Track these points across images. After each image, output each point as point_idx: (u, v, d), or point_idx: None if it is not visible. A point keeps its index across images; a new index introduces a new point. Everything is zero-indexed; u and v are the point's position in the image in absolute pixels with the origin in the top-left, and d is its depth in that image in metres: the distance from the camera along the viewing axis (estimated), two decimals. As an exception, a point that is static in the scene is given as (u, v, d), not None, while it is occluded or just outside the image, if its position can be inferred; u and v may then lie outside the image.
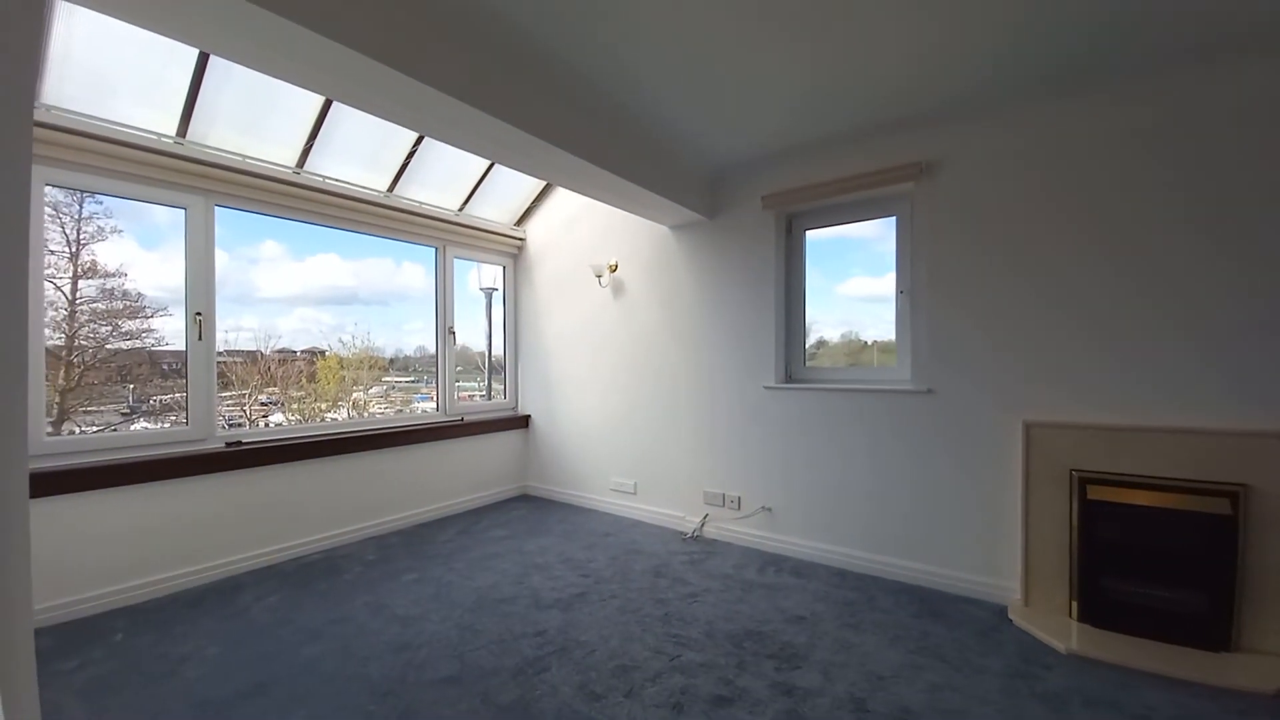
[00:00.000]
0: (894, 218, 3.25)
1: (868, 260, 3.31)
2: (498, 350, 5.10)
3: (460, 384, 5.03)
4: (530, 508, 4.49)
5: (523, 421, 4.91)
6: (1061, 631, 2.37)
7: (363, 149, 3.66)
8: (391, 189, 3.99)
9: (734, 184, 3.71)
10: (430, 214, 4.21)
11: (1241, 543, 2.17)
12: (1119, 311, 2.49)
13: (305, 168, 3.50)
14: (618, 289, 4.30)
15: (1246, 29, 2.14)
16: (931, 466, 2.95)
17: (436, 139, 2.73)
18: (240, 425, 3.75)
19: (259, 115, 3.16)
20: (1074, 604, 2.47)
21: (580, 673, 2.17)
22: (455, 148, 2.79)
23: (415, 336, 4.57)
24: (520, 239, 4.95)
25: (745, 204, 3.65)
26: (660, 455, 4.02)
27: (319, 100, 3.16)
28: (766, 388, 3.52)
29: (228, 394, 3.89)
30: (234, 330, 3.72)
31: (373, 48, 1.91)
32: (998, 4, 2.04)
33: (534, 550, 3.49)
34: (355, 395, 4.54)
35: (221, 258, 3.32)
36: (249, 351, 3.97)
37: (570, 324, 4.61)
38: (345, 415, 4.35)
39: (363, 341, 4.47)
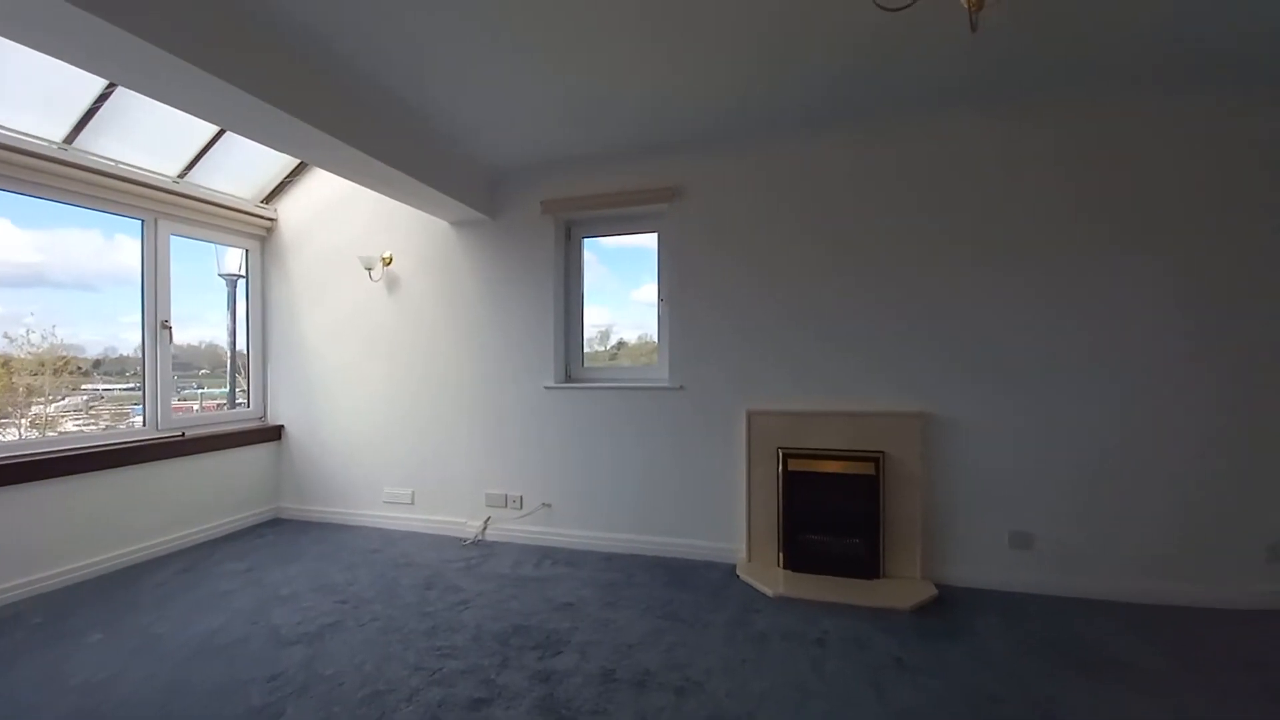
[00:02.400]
0: (656, 233, 3.62)
1: (656, 269, 3.64)
2: (245, 350, 4.32)
3: (205, 390, 4.17)
4: (281, 532, 3.92)
5: (274, 433, 4.24)
6: (772, 579, 2.93)
7: (24, 84, 2.76)
8: (71, 140, 3.09)
9: (515, 186, 3.72)
10: (133, 178, 3.37)
11: (882, 495, 2.95)
12: (806, 323, 3.15)
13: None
14: (392, 283, 3.99)
15: (939, 93, 2.81)
16: (683, 452, 3.37)
17: (132, 89, 2.22)
18: None
19: None
20: (781, 555, 3.08)
21: (322, 709, 1.98)
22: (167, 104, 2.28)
23: (138, 332, 3.61)
24: (269, 219, 4.26)
25: (526, 207, 3.69)
26: (441, 460, 3.85)
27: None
28: (547, 387, 3.62)
29: None
30: None
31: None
32: (739, 54, 2.43)
33: (279, 581, 3.06)
34: (36, 408, 3.42)
35: None
36: None
37: (336, 320, 4.13)
38: (19, 435, 3.25)
39: (43, 336, 3.37)
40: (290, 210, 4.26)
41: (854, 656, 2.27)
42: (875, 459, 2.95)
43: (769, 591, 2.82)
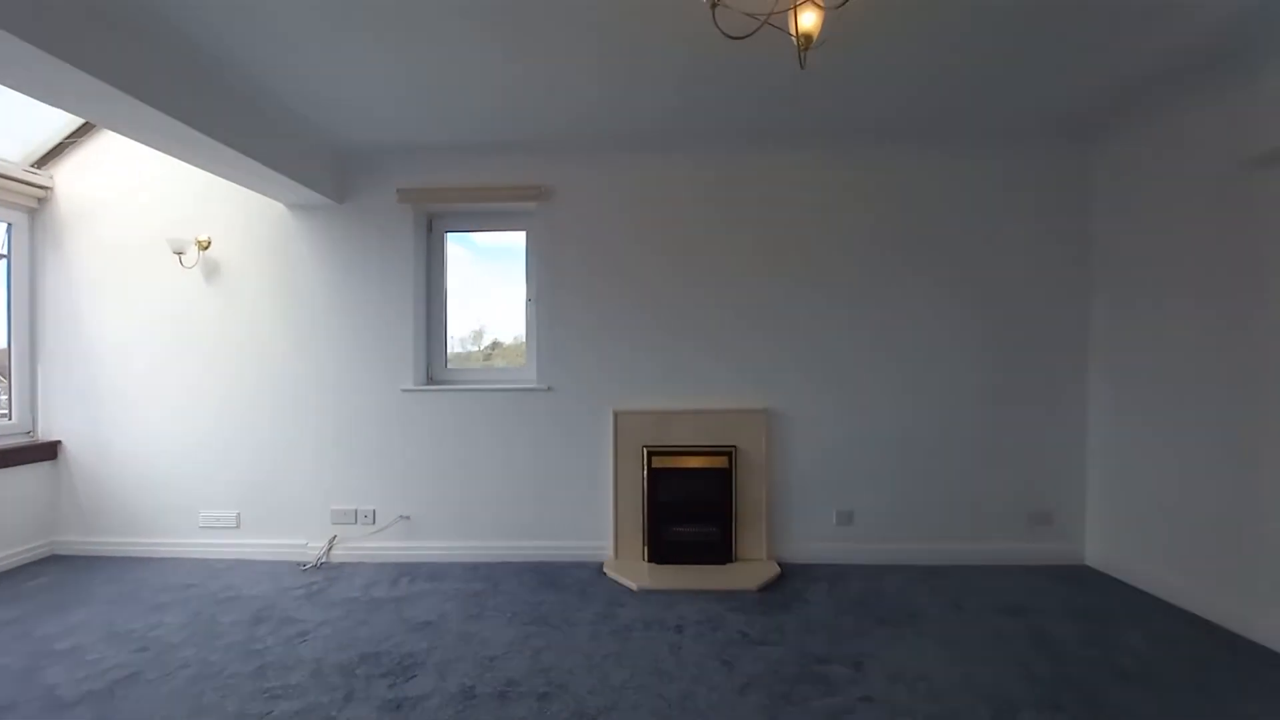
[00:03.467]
0: (524, 231, 3.55)
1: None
2: (8, 347, 3.46)
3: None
4: (61, 572, 3.22)
5: (47, 451, 3.45)
6: (637, 574, 3.04)
7: None
8: None
9: (368, 171, 3.42)
10: None
11: (734, 486, 3.20)
12: (668, 327, 3.32)
13: None
14: (212, 272, 3.45)
15: (769, 129, 3.14)
16: (551, 453, 3.36)
17: None
18: None
19: None
20: (645, 549, 3.21)
21: (111, 781, 1.67)
22: None
23: None
24: (43, 188, 3.46)
25: (380, 193, 3.40)
26: (276, 476, 3.42)
27: None
28: (405, 390, 3.38)
29: None
30: None
31: None
32: (606, 70, 2.46)
33: (56, 632, 2.51)
34: None
35: None
36: None
37: (137, 314, 3.47)
38: None
39: None
40: (73, 178, 3.49)
41: (708, 637, 2.44)
42: (729, 453, 3.19)
43: (633, 585, 2.92)
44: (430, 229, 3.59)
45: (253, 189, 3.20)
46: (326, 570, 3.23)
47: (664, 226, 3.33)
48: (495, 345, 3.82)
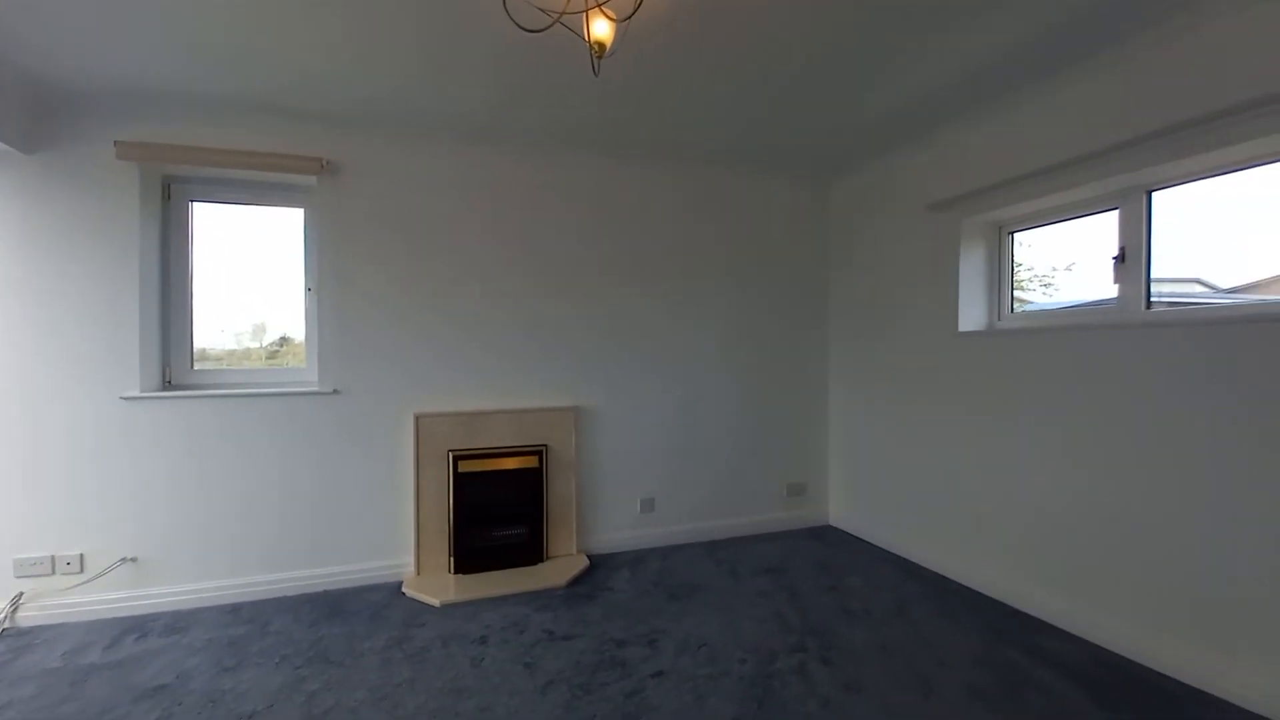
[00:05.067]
0: (302, 210, 3.07)
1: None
2: None
3: None
4: None
5: None
6: (441, 588, 2.87)
7: None
8: None
9: (72, 114, 2.63)
10: None
11: (545, 484, 3.21)
12: (471, 328, 3.18)
13: None
14: None
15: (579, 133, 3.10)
16: (339, 466, 2.98)
17: None
18: None
19: None
20: (452, 560, 3.05)
21: None
22: None
23: None
24: None
25: (90, 146, 2.64)
26: (-90, 522, 2.47)
27: None
28: (127, 399, 2.68)
29: None
30: None
31: None
32: (396, 46, 2.17)
33: None
34: None
35: None
36: None
37: None
38: None
39: None
40: None
41: (513, 642, 2.41)
42: (539, 452, 3.18)
43: (435, 601, 2.74)
44: (168, 195, 2.90)
45: None
46: (10, 639, 2.43)
47: (460, 223, 3.16)
48: (284, 341, 3.23)
